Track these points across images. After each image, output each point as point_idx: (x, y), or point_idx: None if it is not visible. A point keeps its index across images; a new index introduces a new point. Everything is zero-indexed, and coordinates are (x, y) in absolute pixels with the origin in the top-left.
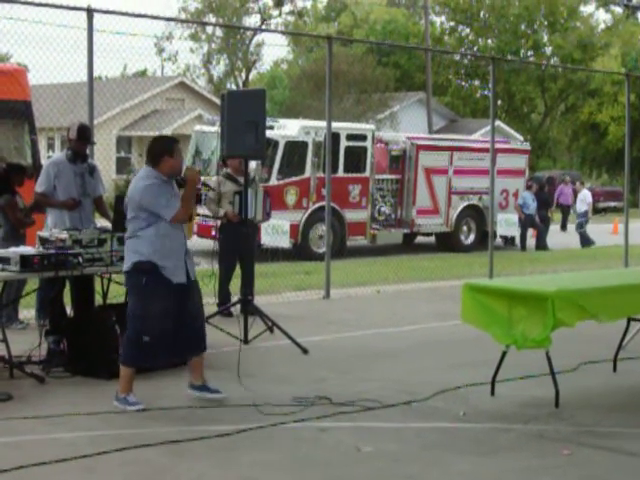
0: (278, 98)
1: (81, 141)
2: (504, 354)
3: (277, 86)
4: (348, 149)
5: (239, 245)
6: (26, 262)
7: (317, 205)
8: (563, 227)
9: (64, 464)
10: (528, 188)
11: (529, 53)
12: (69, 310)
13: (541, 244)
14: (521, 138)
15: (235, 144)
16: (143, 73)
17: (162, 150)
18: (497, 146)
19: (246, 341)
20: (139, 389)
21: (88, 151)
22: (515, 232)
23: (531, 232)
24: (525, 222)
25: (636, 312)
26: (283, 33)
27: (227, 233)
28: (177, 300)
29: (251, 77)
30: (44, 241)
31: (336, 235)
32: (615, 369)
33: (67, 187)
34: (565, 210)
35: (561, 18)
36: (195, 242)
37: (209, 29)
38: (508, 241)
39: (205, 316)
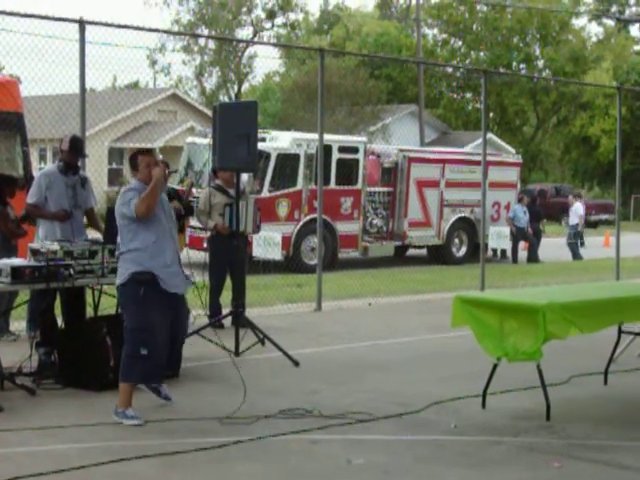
0: (271, 110)
1: (72, 153)
2: (495, 366)
3: (270, 98)
4: (340, 161)
5: (229, 257)
6: (17, 274)
7: (309, 217)
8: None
9: (54, 476)
10: (519, 201)
11: (521, 66)
12: (60, 322)
13: (533, 257)
14: (513, 151)
15: (227, 156)
16: (135, 85)
17: (130, 166)
18: (489, 159)
19: (237, 353)
20: None
21: (80, 163)
22: (507, 245)
23: (523, 245)
24: (516, 235)
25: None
26: (275, 45)
27: (217, 245)
28: (171, 310)
29: (243, 89)
30: (35, 253)
31: (328, 247)
32: (606, 382)
33: (58, 198)
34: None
35: (553, 31)
36: (186, 254)
37: (202, 41)
38: (499, 254)
39: (196, 328)
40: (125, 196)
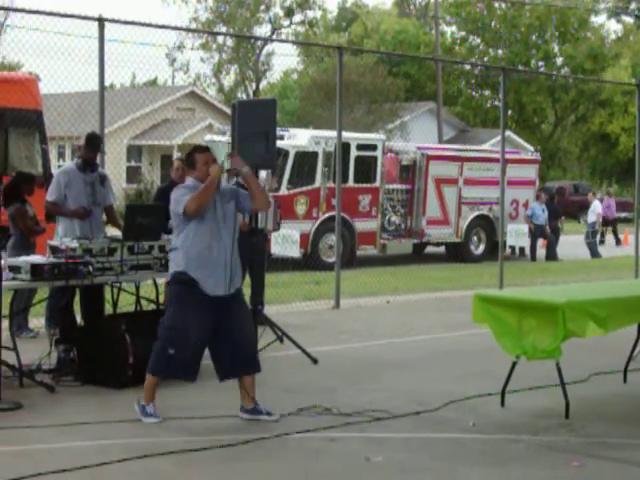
0: (289, 108)
1: (89, 148)
2: (514, 365)
3: (288, 96)
4: (358, 159)
5: (249, 254)
6: (36, 271)
7: (327, 215)
8: (617, 242)
9: (76, 473)
10: (537, 198)
11: (540, 63)
12: (79, 319)
13: (551, 254)
14: (531, 148)
15: (246, 154)
16: (154, 82)
17: (187, 165)
18: (507, 156)
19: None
20: None
21: (98, 160)
22: (525, 242)
23: (541, 242)
24: (535, 232)
25: None
26: (294, 43)
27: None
28: (215, 314)
29: (261, 87)
30: (55, 250)
31: (346, 245)
32: (625, 380)
33: (77, 196)
34: (611, 223)
35: (572, 28)
36: None
37: (220, 39)
38: (517, 252)
39: None
40: (178, 193)
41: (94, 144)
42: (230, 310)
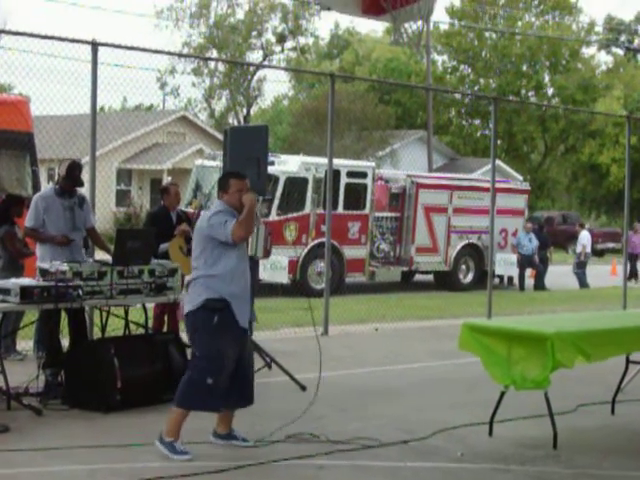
0: (281, 134)
1: (66, 180)
2: (502, 394)
3: (281, 122)
4: (348, 186)
5: None
6: (26, 294)
7: (316, 241)
8: (632, 277)
9: None
10: (523, 228)
11: (530, 93)
12: (65, 342)
13: (539, 284)
14: (520, 178)
15: None
16: (149, 109)
17: (219, 186)
18: (497, 185)
19: None
20: (133, 423)
21: (87, 186)
22: (514, 272)
23: (529, 272)
24: (523, 262)
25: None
26: (286, 69)
27: None
28: (239, 344)
29: (252, 112)
30: (44, 273)
31: (335, 272)
32: (613, 411)
33: (56, 221)
34: (633, 258)
35: (563, 59)
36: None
37: (211, 64)
38: (505, 281)
39: None
40: (217, 218)
41: (73, 177)
42: (246, 342)
